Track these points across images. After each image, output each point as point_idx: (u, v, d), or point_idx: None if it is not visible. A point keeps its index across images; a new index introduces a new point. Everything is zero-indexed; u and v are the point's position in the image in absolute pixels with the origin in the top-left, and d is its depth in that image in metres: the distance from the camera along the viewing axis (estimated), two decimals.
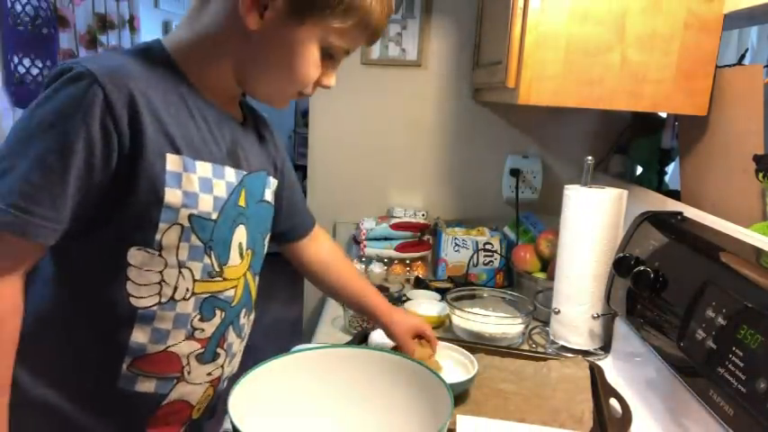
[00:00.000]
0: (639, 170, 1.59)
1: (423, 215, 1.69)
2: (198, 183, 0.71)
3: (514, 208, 1.64)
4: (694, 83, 1.09)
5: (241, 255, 0.79)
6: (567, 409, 0.90)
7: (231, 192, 0.76)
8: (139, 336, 0.72)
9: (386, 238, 1.60)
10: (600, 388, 0.96)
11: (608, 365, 1.09)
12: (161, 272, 0.71)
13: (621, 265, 0.98)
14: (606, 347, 1.18)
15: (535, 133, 1.69)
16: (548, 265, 1.40)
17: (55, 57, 2.67)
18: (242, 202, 0.79)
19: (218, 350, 0.79)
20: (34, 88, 2.57)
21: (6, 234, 0.62)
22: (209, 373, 0.79)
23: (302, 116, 4.62)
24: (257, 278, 0.86)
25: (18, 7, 2.49)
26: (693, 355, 0.78)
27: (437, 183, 1.74)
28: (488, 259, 1.54)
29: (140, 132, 0.66)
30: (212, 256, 0.75)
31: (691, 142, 1.19)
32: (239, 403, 0.66)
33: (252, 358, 0.85)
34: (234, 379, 0.74)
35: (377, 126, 1.72)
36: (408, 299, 1.34)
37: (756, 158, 0.95)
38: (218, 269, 0.76)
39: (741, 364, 0.68)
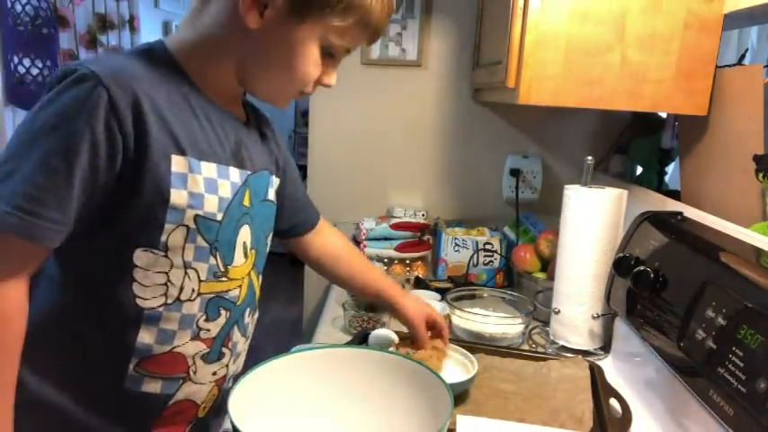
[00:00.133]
0: (639, 170, 1.59)
1: (423, 215, 1.69)
2: (203, 183, 0.71)
3: (514, 208, 1.64)
4: (694, 83, 1.09)
5: (245, 254, 0.80)
6: (567, 409, 0.90)
7: (236, 192, 0.76)
8: (146, 336, 0.72)
9: (386, 238, 1.60)
10: (600, 388, 0.96)
11: (608, 365, 1.09)
12: (167, 273, 0.71)
13: (621, 265, 0.98)
14: (606, 347, 1.18)
15: (535, 133, 1.69)
16: (548, 265, 1.40)
17: (55, 57, 2.67)
18: (246, 202, 0.79)
19: (224, 350, 0.80)
20: (34, 88, 2.57)
21: (12, 236, 0.62)
22: (215, 373, 0.79)
23: (302, 116, 4.62)
24: (261, 277, 0.87)
25: (18, 7, 2.49)
26: (693, 355, 0.78)
27: (437, 183, 1.74)
28: (488, 259, 1.54)
29: (145, 133, 0.66)
30: (217, 256, 0.75)
31: (691, 142, 1.19)
32: (239, 403, 0.66)
33: (252, 358, 0.85)
34: (238, 378, 0.74)
35: (377, 126, 1.72)
36: None
37: (756, 158, 0.95)
38: (223, 269, 0.76)
39: (741, 364, 0.68)
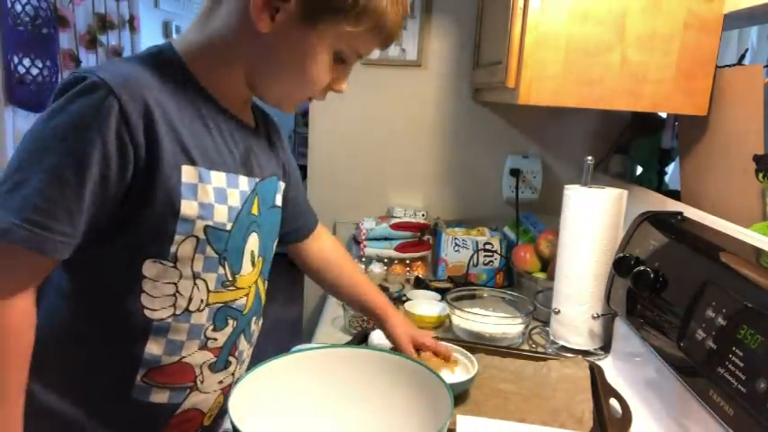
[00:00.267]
0: (639, 170, 1.59)
1: (423, 215, 1.69)
2: (213, 193, 0.70)
3: (514, 208, 1.64)
4: (694, 83, 1.09)
5: (253, 263, 0.79)
6: (566, 409, 0.90)
7: (245, 200, 0.75)
8: (154, 348, 0.71)
9: (386, 238, 1.60)
10: (600, 388, 0.96)
11: (608, 365, 1.09)
12: (176, 283, 0.70)
13: (621, 265, 0.98)
14: (606, 347, 1.18)
15: (535, 133, 1.69)
16: (548, 265, 1.40)
17: (55, 57, 2.66)
18: (255, 210, 0.78)
19: (230, 358, 0.79)
20: (34, 88, 2.57)
21: (21, 249, 0.61)
22: (221, 381, 0.79)
23: (302, 116, 4.62)
24: (266, 283, 0.86)
25: (18, 7, 2.49)
26: (693, 355, 0.78)
27: (437, 183, 1.74)
28: (488, 259, 1.54)
29: (156, 143, 0.65)
30: (226, 265, 0.74)
31: (691, 142, 1.19)
32: (239, 403, 0.66)
33: (252, 358, 0.85)
34: (238, 378, 0.74)
35: (377, 126, 1.72)
36: (408, 299, 1.34)
37: (756, 158, 0.95)
38: (231, 278, 0.75)
39: (741, 364, 0.68)
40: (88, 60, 2.93)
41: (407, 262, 1.62)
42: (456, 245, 1.55)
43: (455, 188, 1.74)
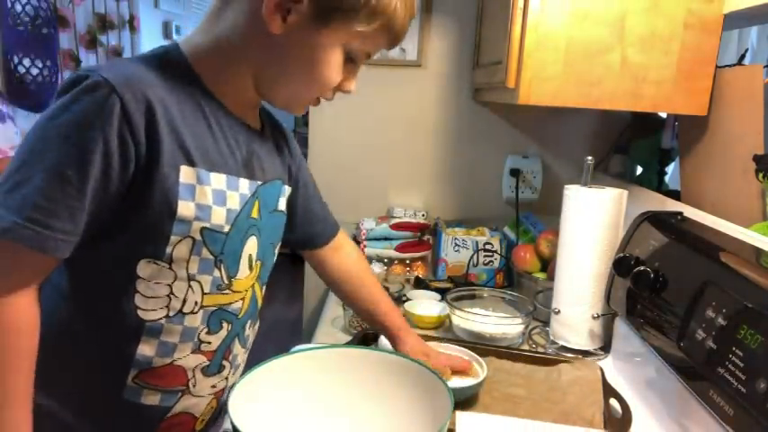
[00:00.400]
0: (639, 170, 1.59)
1: (423, 215, 1.69)
2: (211, 195, 0.70)
3: (514, 208, 1.64)
4: (694, 83, 1.09)
5: (250, 267, 0.78)
6: (577, 411, 0.90)
7: (244, 204, 0.75)
8: (146, 349, 0.71)
9: (386, 238, 1.60)
10: (600, 388, 0.96)
11: (608, 365, 1.09)
12: (170, 285, 0.70)
13: (621, 265, 0.98)
14: (606, 347, 1.18)
15: (535, 133, 1.69)
16: (548, 265, 1.40)
17: (55, 57, 2.67)
18: (255, 214, 0.77)
19: (224, 362, 0.79)
20: (34, 88, 2.57)
21: (23, 248, 0.61)
22: (214, 386, 0.79)
23: (302, 116, 4.62)
24: (264, 288, 0.85)
25: (18, 7, 2.49)
26: (693, 355, 0.78)
27: (437, 183, 1.74)
28: (488, 259, 1.54)
29: (157, 143, 0.65)
30: (222, 268, 0.74)
31: (691, 142, 1.19)
32: (239, 403, 0.66)
33: (252, 358, 0.85)
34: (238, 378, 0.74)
35: (377, 126, 1.72)
36: (408, 299, 1.34)
37: (756, 158, 0.95)
38: (227, 282, 0.75)
39: (741, 364, 0.68)
40: (88, 60, 2.94)
41: (407, 262, 1.62)
42: (456, 245, 1.55)
43: (455, 188, 1.74)
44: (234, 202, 0.73)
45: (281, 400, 0.74)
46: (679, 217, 1.02)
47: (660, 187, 1.47)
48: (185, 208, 0.67)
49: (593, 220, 1.12)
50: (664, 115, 1.46)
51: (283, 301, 3.54)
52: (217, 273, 0.73)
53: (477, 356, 0.99)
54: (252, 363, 0.74)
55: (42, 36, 2.59)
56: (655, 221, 1.02)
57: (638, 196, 1.23)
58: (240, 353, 0.83)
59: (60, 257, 0.64)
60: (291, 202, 0.89)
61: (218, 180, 0.71)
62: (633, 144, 1.57)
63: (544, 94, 1.10)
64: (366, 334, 1.13)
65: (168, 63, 0.70)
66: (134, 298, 0.69)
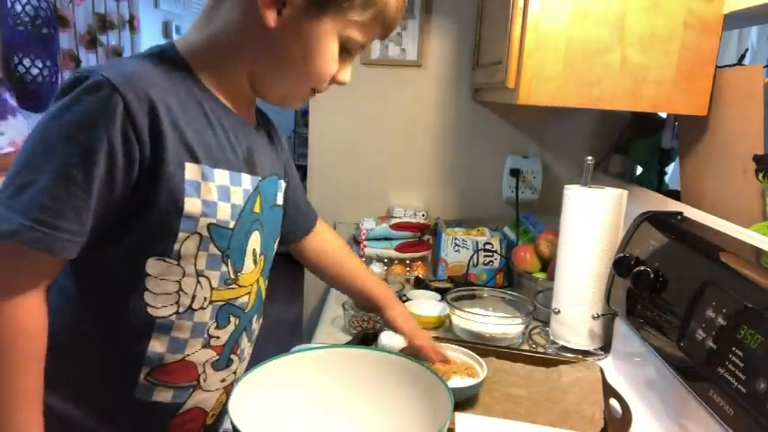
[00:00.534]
0: (639, 170, 1.59)
1: (423, 215, 1.69)
2: (216, 191, 0.70)
3: (514, 208, 1.64)
4: (694, 83, 1.09)
5: (255, 261, 0.79)
6: (577, 411, 0.90)
7: (247, 199, 0.76)
8: (157, 346, 0.71)
9: (386, 238, 1.60)
10: (600, 388, 0.96)
11: (608, 365, 1.09)
12: (179, 281, 0.70)
13: (621, 265, 0.98)
14: (606, 347, 1.18)
15: (535, 133, 1.69)
16: (548, 265, 1.40)
17: (55, 57, 2.66)
18: (257, 209, 0.78)
19: (232, 356, 0.80)
20: (34, 88, 2.57)
21: (31, 250, 0.61)
22: (223, 380, 0.79)
23: (302, 116, 4.62)
24: (267, 282, 0.86)
25: (18, 7, 2.49)
26: (693, 355, 0.78)
27: (437, 183, 1.74)
28: (488, 259, 1.54)
29: (160, 141, 0.65)
30: (229, 263, 0.74)
31: (691, 142, 1.19)
32: (239, 403, 0.66)
33: (252, 358, 0.85)
34: (238, 378, 0.74)
35: (377, 126, 1.72)
36: (408, 299, 1.34)
37: (756, 158, 0.95)
38: (233, 276, 0.76)
39: (741, 364, 0.68)
40: (88, 60, 2.94)
41: (407, 262, 1.62)
42: (456, 245, 1.55)
43: (455, 188, 1.74)
44: (237, 198, 0.74)
45: (281, 400, 0.74)
46: (679, 217, 1.02)
47: (660, 187, 1.47)
48: (191, 205, 0.68)
49: (593, 220, 1.12)
50: (664, 115, 1.46)
51: (283, 301, 3.53)
52: (224, 268, 0.74)
53: (478, 356, 0.99)
54: (252, 363, 0.74)
55: (42, 36, 2.59)
56: (655, 221, 1.02)
57: (638, 196, 1.23)
58: (247, 347, 0.84)
59: (67, 258, 0.64)
60: (284, 196, 0.90)
61: (221, 176, 0.71)
62: (633, 144, 1.57)
63: (544, 94, 1.10)
64: (366, 334, 1.13)
65: (166, 61, 0.71)
66: (143, 295, 0.69)
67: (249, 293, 0.79)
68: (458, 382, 0.93)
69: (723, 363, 0.71)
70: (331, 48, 0.72)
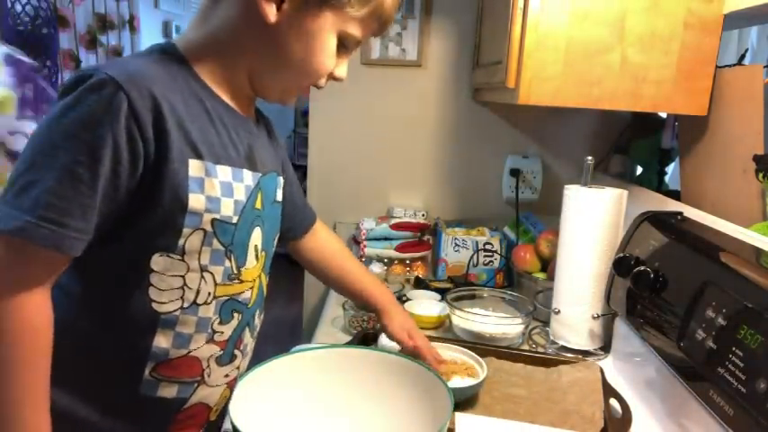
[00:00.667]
0: (639, 170, 1.59)
1: (423, 215, 1.69)
2: (219, 187, 0.71)
3: (514, 208, 1.64)
4: (694, 83, 1.09)
5: (257, 257, 0.80)
6: (577, 411, 0.90)
7: (249, 195, 0.76)
8: (162, 341, 0.71)
9: (386, 239, 1.60)
10: (600, 388, 0.96)
11: (608, 365, 1.09)
12: (183, 276, 0.71)
13: (621, 265, 0.98)
14: (606, 347, 1.18)
15: (535, 133, 1.69)
16: (548, 265, 1.40)
17: (55, 57, 2.66)
18: (258, 205, 0.79)
19: (236, 351, 0.80)
20: None
21: (37, 247, 0.61)
22: (227, 375, 0.80)
23: (302, 116, 4.62)
24: (268, 278, 0.87)
25: (18, 7, 2.49)
26: (693, 355, 0.78)
27: (437, 183, 1.74)
28: (488, 259, 1.54)
29: (164, 138, 0.65)
30: (232, 258, 0.75)
31: (691, 142, 1.19)
32: (239, 403, 0.66)
33: (252, 359, 0.85)
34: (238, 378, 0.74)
35: (377, 126, 1.72)
36: (408, 299, 1.34)
37: (756, 158, 0.95)
38: (236, 272, 0.76)
39: (741, 364, 0.68)
40: (88, 60, 2.94)
41: (407, 262, 1.62)
42: (456, 245, 1.55)
43: (455, 188, 1.74)
44: (240, 194, 0.74)
45: (282, 400, 0.74)
46: (679, 217, 1.02)
47: (660, 187, 1.47)
48: (196, 201, 0.68)
49: (593, 220, 1.12)
50: (664, 115, 1.46)
51: (283, 301, 3.53)
52: (227, 263, 0.74)
53: (478, 356, 0.99)
54: (252, 363, 0.74)
55: (42, 36, 2.59)
56: (655, 221, 1.02)
57: (638, 196, 1.23)
58: (250, 342, 0.84)
59: (73, 255, 0.65)
60: (283, 193, 0.91)
61: (224, 172, 0.72)
62: (633, 144, 1.57)
63: (544, 94, 1.10)
64: (366, 334, 1.13)
65: (167, 59, 0.71)
66: (148, 291, 0.70)
67: (252, 289, 0.80)
68: (458, 382, 0.93)
69: (723, 363, 0.71)
70: (330, 43, 0.73)
